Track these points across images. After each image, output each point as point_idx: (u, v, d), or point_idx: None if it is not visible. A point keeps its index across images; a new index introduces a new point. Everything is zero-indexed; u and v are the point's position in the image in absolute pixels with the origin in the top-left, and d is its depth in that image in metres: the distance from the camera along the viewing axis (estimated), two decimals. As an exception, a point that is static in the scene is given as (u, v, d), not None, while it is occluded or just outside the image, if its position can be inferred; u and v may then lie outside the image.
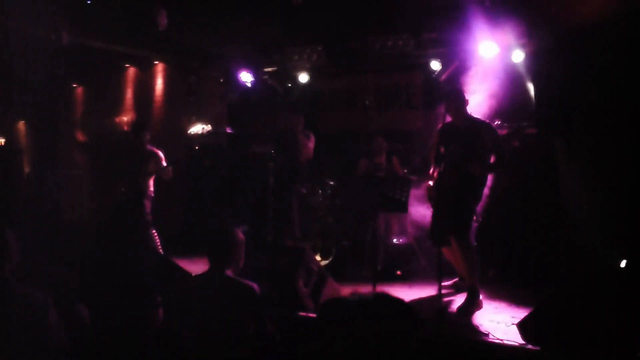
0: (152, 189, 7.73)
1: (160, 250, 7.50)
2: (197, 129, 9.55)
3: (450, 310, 5.53)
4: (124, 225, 7.57)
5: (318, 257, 7.26)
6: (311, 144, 7.68)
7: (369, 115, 8.50)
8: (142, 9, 7.88)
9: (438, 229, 5.65)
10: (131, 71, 11.49)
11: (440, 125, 5.92)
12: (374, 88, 8.61)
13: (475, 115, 5.92)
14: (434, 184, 5.87)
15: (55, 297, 3.32)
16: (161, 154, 7.78)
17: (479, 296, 5.58)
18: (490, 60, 7.01)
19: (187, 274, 5.76)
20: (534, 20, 6.49)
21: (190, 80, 10.09)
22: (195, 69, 10.01)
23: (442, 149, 5.78)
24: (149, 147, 7.78)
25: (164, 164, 7.71)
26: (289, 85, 9.06)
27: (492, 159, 5.63)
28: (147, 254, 6.02)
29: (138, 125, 8.18)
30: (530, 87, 6.87)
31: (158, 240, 7.66)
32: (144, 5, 7.81)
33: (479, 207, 5.89)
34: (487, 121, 5.88)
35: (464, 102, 5.85)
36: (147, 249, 6.14)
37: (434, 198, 5.85)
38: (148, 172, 7.63)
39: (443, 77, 7.50)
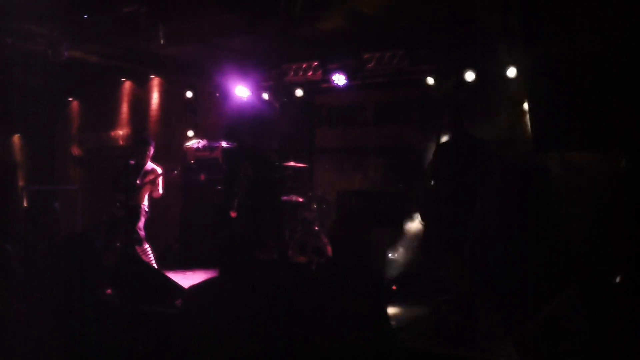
0: (146, 203, 7.71)
1: (154, 265, 7.48)
2: (193, 143, 9.55)
3: (445, 325, 5.51)
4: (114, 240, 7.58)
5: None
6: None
7: (366, 130, 8.54)
8: (139, 24, 7.92)
9: (433, 245, 5.66)
10: (127, 85, 11.50)
11: (437, 144, 5.94)
12: (371, 104, 8.64)
13: (470, 132, 5.95)
14: (429, 199, 5.88)
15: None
16: (159, 170, 7.77)
17: (475, 311, 5.57)
18: (484, 76, 7.06)
19: (178, 287, 5.76)
20: (529, 37, 6.54)
21: (186, 94, 10.12)
22: (192, 84, 10.04)
23: (440, 167, 5.80)
24: (149, 162, 7.78)
25: (160, 180, 7.69)
26: (285, 100, 9.09)
27: (487, 175, 5.64)
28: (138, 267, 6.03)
29: (141, 139, 8.16)
30: (525, 103, 6.91)
31: (152, 255, 7.65)
32: (140, 20, 7.85)
33: (473, 222, 5.90)
34: (482, 138, 5.91)
35: (461, 119, 5.88)
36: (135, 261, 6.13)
37: (428, 213, 5.86)
38: (142, 185, 7.62)
39: (440, 93, 7.54)
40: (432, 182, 5.87)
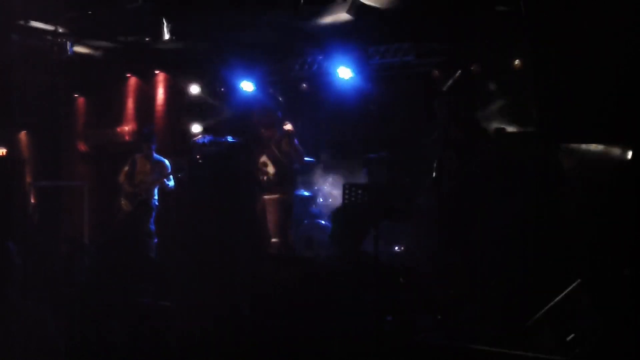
0: (156, 197, 7.74)
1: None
2: (199, 138, 9.56)
3: (452, 318, 5.51)
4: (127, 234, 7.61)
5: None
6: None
7: (371, 124, 8.52)
8: (144, 19, 7.92)
9: (438, 238, 5.66)
10: (132, 81, 11.50)
11: (443, 138, 5.93)
12: (377, 97, 8.61)
13: (476, 125, 5.95)
14: (432, 192, 5.88)
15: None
16: (167, 163, 7.80)
17: (478, 303, 5.56)
18: (492, 68, 7.03)
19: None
20: (536, 29, 6.50)
21: (192, 90, 10.11)
22: (197, 79, 10.03)
23: (444, 161, 5.80)
24: (155, 156, 7.81)
25: (168, 172, 7.72)
26: (290, 94, 9.09)
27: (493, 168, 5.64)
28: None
29: (146, 134, 8.18)
30: (532, 94, 6.87)
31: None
32: (145, 16, 7.84)
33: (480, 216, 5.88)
34: (487, 131, 5.91)
35: (467, 112, 5.88)
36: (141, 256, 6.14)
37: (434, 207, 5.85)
38: (152, 181, 7.65)
39: (445, 86, 7.51)
40: (437, 176, 5.86)
